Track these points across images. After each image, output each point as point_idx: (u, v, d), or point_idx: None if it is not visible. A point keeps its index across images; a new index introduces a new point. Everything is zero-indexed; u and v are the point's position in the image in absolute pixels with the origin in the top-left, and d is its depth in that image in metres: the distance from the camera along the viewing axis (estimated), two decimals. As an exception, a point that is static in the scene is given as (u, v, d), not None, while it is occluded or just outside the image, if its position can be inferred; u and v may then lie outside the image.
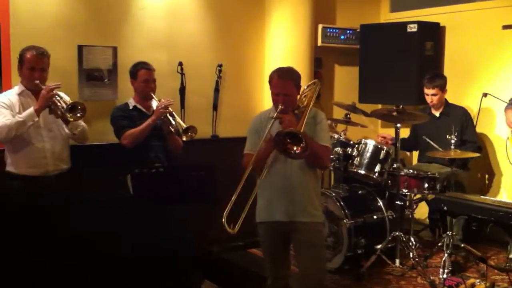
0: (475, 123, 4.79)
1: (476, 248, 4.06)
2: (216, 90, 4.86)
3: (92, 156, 4.09)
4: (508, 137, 4.56)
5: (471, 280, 3.45)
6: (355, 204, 4.13)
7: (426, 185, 4.16)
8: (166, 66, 4.55)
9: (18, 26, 3.94)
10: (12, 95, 3.56)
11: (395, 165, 4.18)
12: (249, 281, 4.09)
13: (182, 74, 4.64)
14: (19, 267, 3.47)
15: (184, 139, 3.92)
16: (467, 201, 3.60)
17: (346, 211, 4.00)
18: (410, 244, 4.08)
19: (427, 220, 4.97)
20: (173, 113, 3.92)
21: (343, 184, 4.29)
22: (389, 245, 4.06)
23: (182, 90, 4.65)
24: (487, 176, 4.99)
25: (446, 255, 3.80)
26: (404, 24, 5.12)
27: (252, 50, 5.12)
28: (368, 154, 4.27)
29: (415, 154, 5.17)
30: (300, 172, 3.04)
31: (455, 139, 4.01)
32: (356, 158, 4.28)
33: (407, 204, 4.38)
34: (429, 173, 4.20)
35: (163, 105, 3.84)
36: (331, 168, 4.45)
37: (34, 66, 3.51)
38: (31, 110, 3.43)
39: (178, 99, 4.59)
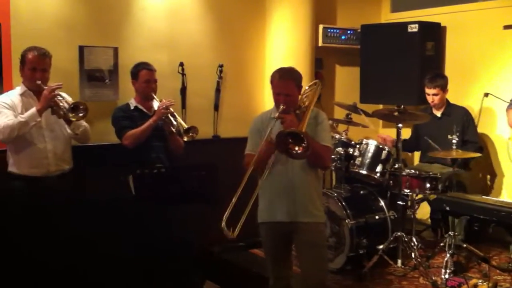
0: (476, 123, 4.79)
1: (478, 248, 4.06)
2: (217, 91, 4.86)
3: (93, 157, 4.09)
4: (509, 137, 4.56)
5: (474, 281, 3.44)
6: (356, 204, 4.12)
7: (428, 185, 4.16)
8: (167, 67, 4.55)
9: (19, 26, 3.94)
10: (14, 95, 3.56)
11: (396, 165, 4.17)
12: (250, 282, 4.09)
13: (183, 74, 4.64)
14: (21, 267, 3.47)
15: (185, 139, 3.92)
16: (469, 201, 3.59)
17: (348, 211, 3.99)
18: (412, 244, 4.07)
19: (429, 220, 4.97)
20: (174, 113, 3.91)
21: (345, 184, 4.28)
22: (391, 246, 4.06)
23: (183, 90, 4.65)
24: (488, 176, 4.98)
25: (448, 255, 3.79)
26: (405, 24, 5.12)
27: (253, 51, 5.12)
28: (369, 154, 4.27)
29: (417, 154, 5.16)
30: (301, 172, 3.03)
31: (457, 139, 4.00)
32: (358, 158, 4.27)
33: (409, 204, 4.38)
34: (431, 173, 4.20)
35: (164, 106, 3.84)
36: (333, 168, 4.44)
37: (36, 66, 3.51)
38: (33, 110, 3.43)
39: (179, 99, 4.59)
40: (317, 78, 5.00)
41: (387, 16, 5.81)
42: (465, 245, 3.99)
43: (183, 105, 4.63)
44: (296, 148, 2.81)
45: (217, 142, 4.87)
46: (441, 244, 4.04)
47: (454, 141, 3.98)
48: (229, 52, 4.95)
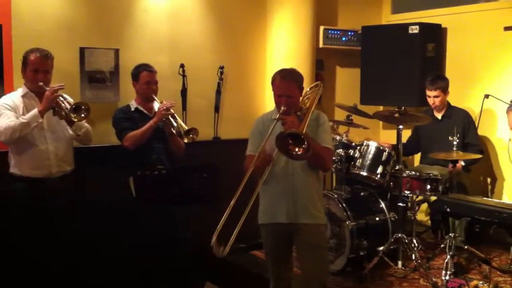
0: (476, 124, 4.79)
1: (479, 249, 4.06)
2: (218, 92, 4.86)
3: (94, 158, 4.09)
4: (510, 139, 4.55)
5: (474, 282, 3.45)
6: (357, 205, 4.13)
7: (428, 186, 4.16)
8: (168, 68, 4.56)
9: (20, 28, 3.95)
10: (16, 97, 3.57)
11: (397, 167, 4.17)
12: (251, 283, 4.09)
13: (183, 76, 4.64)
14: (23, 269, 3.47)
15: (186, 141, 3.92)
16: (470, 202, 3.59)
17: (348, 212, 3.99)
18: (413, 245, 4.07)
19: (429, 221, 4.97)
20: (175, 115, 3.92)
21: (345, 186, 4.29)
22: (392, 247, 4.06)
23: (183, 92, 4.65)
24: (489, 178, 4.98)
25: (448, 256, 3.79)
26: (405, 26, 5.12)
27: (253, 52, 5.13)
28: (370, 156, 4.27)
29: (417, 155, 5.16)
30: (302, 173, 3.04)
31: (457, 140, 4.01)
32: (358, 160, 4.28)
33: (409, 205, 4.38)
34: (431, 174, 4.20)
35: (164, 107, 3.84)
36: (333, 170, 4.45)
37: (38, 68, 3.51)
38: (35, 111, 3.43)
39: (179, 101, 4.59)
40: (318, 79, 5.00)
41: (388, 18, 5.81)
42: (466, 247, 3.99)
43: (184, 107, 4.63)
44: (297, 149, 2.81)
45: (217, 144, 4.87)
46: (442, 245, 4.05)
47: (455, 143, 3.98)
48: (230, 54, 4.96)
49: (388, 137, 5.20)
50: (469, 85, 5.06)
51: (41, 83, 3.49)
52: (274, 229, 3.10)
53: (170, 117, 3.88)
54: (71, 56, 4.17)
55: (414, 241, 4.15)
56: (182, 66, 4.62)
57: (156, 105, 3.96)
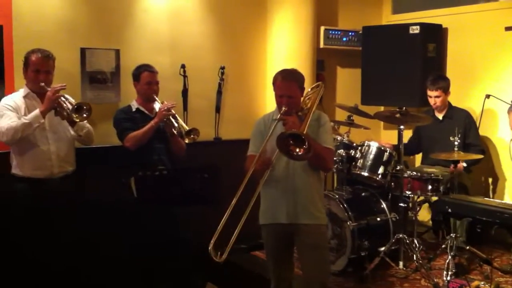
0: (478, 124, 4.78)
1: (480, 250, 4.05)
2: (219, 92, 4.86)
3: (95, 158, 4.09)
4: (511, 139, 4.55)
5: (476, 282, 3.45)
6: (358, 206, 4.12)
7: (430, 187, 4.16)
8: (168, 69, 4.56)
9: (21, 28, 3.95)
10: (17, 97, 3.57)
11: (398, 167, 4.17)
12: (252, 284, 4.09)
13: (184, 76, 4.64)
14: (24, 269, 3.47)
15: (187, 141, 3.91)
16: (471, 203, 3.59)
17: (350, 213, 3.99)
18: (414, 246, 4.07)
19: (431, 222, 4.96)
20: (176, 115, 3.91)
21: (346, 186, 4.29)
22: (393, 247, 4.06)
23: (184, 92, 4.65)
24: (490, 178, 4.98)
25: (450, 257, 3.79)
26: (406, 26, 5.12)
27: (254, 52, 5.12)
28: (371, 156, 4.27)
29: (418, 156, 5.16)
30: (303, 174, 3.04)
31: (458, 141, 4.01)
32: (359, 160, 4.28)
33: (411, 206, 4.37)
34: (432, 175, 4.19)
35: (165, 108, 3.84)
36: (334, 170, 4.44)
37: (39, 68, 3.51)
38: (36, 112, 3.43)
39: (180, 101, 4.59)
40: (319, 80, 5.00)
41: (389, 18, 5.81)
42: (468, 247, 3.98)
43: (185, 107, 4.63)
44: (297, 150, 2.81)
45: (218, 144, 4.87)
46: (443, 246, 4.05)
47: (456, 143, 3.98)
48: (231, 54, 4.96)
49: (389, 137, 5.20)
50: (470, 85, 5.06)
51: (42, 84, 3.49)
52: (275, 229, 3.10)
53: (171, 117, 3.88)
54: (72, 57, 4.17)
55: (415, 241, 4.15)
56: (183, 66, 4.62)
57: (157, 106, 3.96)
